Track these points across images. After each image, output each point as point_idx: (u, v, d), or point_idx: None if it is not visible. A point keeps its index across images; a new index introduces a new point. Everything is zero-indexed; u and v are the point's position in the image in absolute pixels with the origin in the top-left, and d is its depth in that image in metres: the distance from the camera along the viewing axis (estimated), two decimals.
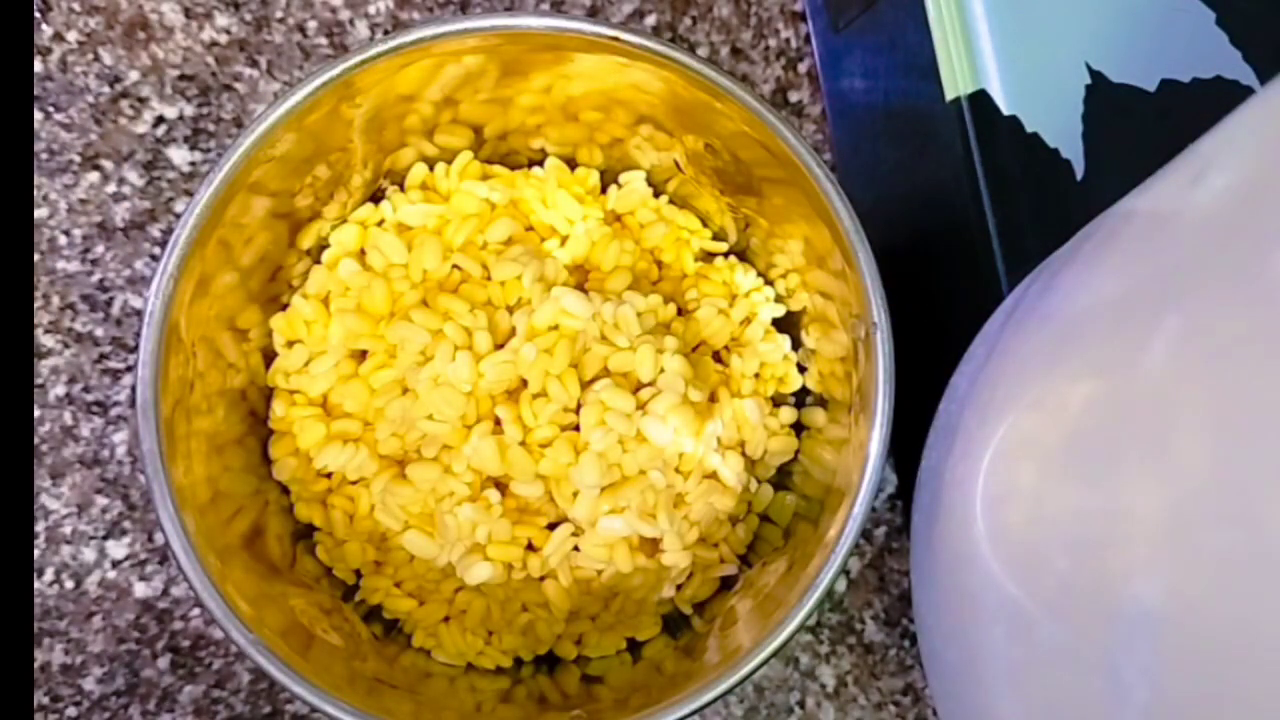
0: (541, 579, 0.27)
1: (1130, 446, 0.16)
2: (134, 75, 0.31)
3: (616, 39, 0.24)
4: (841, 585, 0.32)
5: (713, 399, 0.27)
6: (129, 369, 0.30)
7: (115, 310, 0.31)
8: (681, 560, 0.26)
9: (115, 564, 0.30)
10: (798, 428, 0.28)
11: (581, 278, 0.28)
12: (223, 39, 0.31)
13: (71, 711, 0.30)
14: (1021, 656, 0.18)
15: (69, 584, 0.30)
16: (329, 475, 0.27)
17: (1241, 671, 0.14)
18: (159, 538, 0.30)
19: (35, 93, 0.31)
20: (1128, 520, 0.16)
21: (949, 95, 0.25)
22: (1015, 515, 0.19)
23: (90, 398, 0.30)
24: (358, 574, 0.27)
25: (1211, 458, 0.14)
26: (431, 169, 0.28)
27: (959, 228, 0.26)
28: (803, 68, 0.33)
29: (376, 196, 0.28)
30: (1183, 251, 0.16)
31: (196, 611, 0.30)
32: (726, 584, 0.28)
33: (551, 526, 0.26)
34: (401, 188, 0.28)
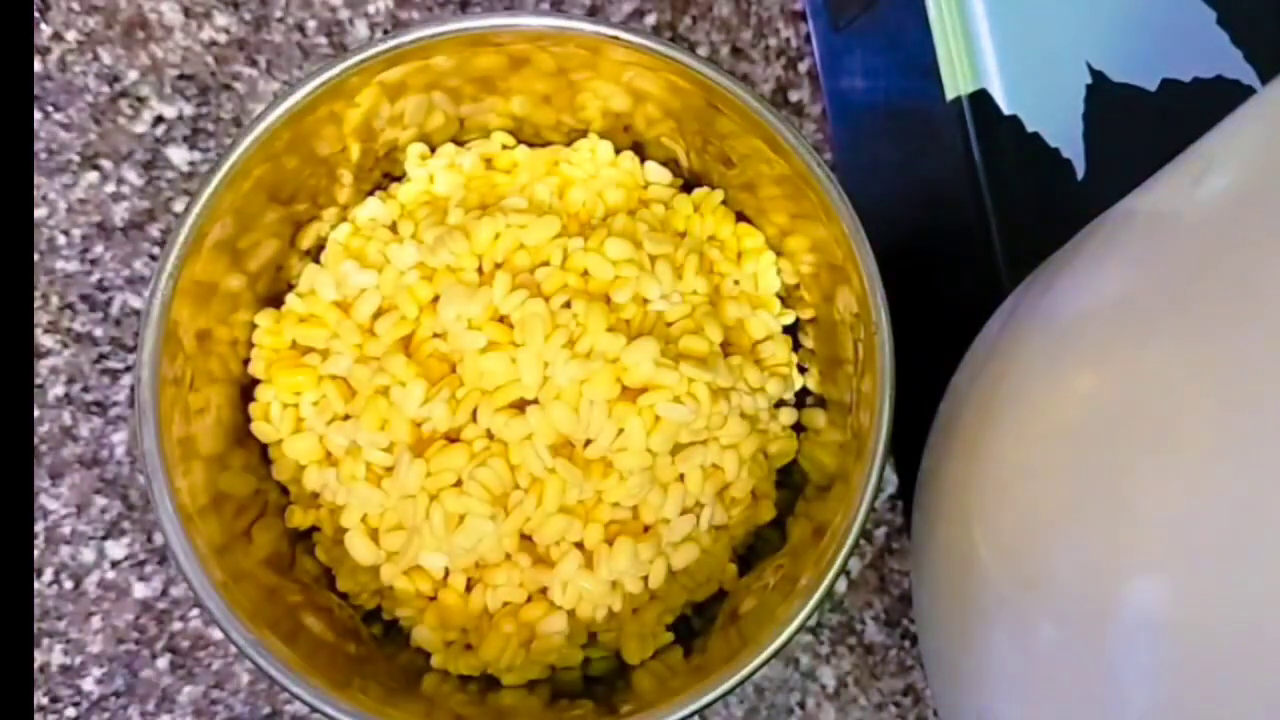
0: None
1: (1131, 447, 0.16)
2: (133, 75, 0.31)
3: (617, 38, 0.24)
4: (842, 586, 0.32)
5: None
6: (128, 369, 0.30)
7: (114, 310, 0.31)
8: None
9: (114, 564, 0.30)
10: (797, 428, 0.28)
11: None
12: (222, 38, 0.31)
13: (70, 712, 0.30)
14: (1022, 658, 0.18)
15: (68, 584, 0.30)
16: None
17: (1242, 674, 0.14)
18: (158, 538, 0.30)
19: (34, 92, 0.31)
20: (1128, 522, 0.16)
21: (950, 95, 0.25)
22: (1015, 516, 0.19)
23: (89, 398, 0.30)
24: None
25: (1212, 459, 0.14)
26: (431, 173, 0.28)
27: (960, 227, 0.26)
28: (803, 67, 0.33)
29: (378, 190, 0.28)
30: (1184, 252, 0.16)
31: (195, 612, 0.30)
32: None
33: None
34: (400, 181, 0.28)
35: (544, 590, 0.25)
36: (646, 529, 0.26)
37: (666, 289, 0.26)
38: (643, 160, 0.28)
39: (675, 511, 0.25)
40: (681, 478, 0.25)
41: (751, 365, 0.27)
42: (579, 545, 0.25)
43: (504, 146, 0.28)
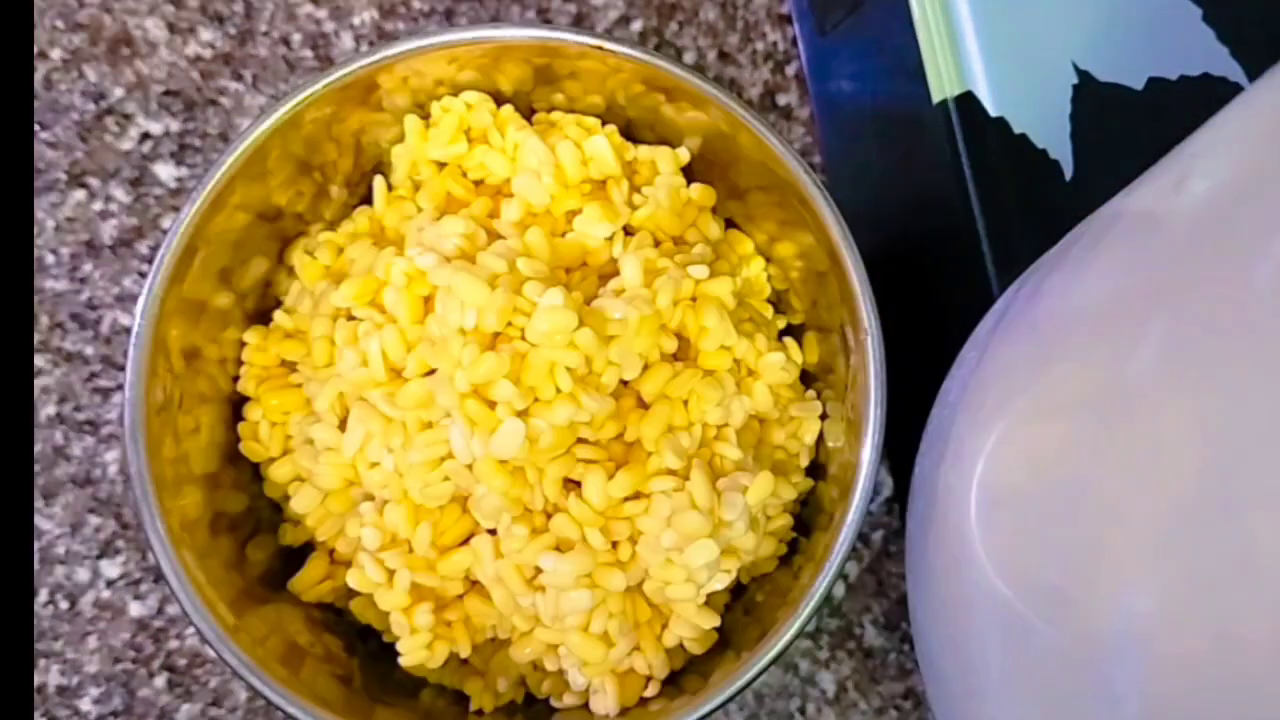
0: None
1: (1120, 453, 0.16)
2: (119, 92, 0.31)
3: (601, 48, 0.24)
4: (840, 590, 0.32)
5: None
6: (119, 387, 0.30)
7: (104, 328, 0.30)
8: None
9: (109, 583, 0.30)
10: None
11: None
12: (207, 53, 0.31)
13: None
14: (1016, 663, 0.18)
15: (63, 604, 0.30)
16: None
17: (1231, 682, 0.13)
18: (152, 556, 0.30)
19: None
20: (1118, 528, 0.15)
21: (936, 97, 0.25)
22: (1008, 522, 0.19)
23: (81, 417, 0.30)
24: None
25: (1199, 465, 0.14)
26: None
27: (948, 230, 0.26)
28: (790, 70, 0.33)
29: (365, 204, 0.28)
30: (1169, 255, 0.16)
31: (191, 630, 0.30)
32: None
33: None
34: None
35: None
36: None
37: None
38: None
39: (683, 594, 0.24)
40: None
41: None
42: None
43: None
